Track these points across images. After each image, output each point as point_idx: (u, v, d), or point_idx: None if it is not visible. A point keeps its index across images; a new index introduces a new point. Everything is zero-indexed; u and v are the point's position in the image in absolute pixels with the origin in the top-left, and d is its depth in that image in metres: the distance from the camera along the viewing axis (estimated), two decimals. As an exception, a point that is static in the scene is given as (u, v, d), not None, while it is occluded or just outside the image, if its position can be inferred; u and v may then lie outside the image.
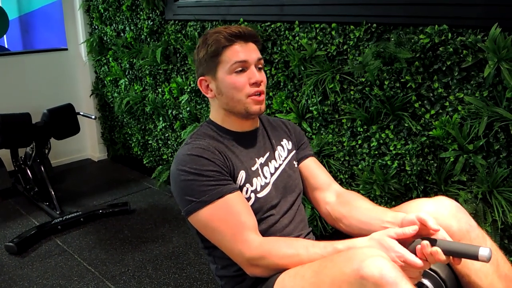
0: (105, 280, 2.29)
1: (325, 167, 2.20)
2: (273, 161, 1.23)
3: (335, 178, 2.21)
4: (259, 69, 1.22)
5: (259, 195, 1.13)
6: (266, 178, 1.18)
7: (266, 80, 1.25)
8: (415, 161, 1.88)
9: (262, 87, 1.20)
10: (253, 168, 1.17)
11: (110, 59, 3.51)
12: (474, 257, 0.82)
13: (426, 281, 0.93)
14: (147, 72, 3.17)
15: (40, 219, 3.00)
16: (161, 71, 3.07)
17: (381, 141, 1.99)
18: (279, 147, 1.25)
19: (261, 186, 1.16)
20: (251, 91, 1.17)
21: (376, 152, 2.02)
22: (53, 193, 3.07)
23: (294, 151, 1.32)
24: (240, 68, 1.18)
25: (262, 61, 1.23)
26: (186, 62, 2.85)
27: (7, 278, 2.35)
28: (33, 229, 2.75)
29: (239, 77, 1.17)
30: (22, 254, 2.58)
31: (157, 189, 3.38)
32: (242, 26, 1.27)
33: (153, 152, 3.44)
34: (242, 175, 1.13)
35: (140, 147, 3.56)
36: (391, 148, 1.96)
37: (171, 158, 3.27)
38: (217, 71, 1.20)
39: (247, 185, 1.12)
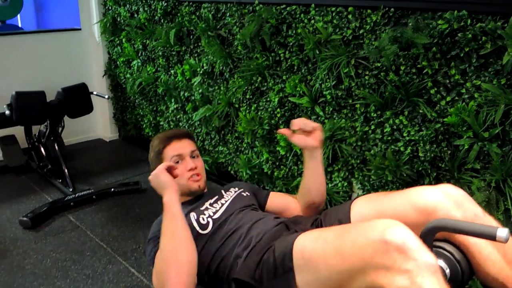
0: (117, 256, 2.33)
1: (336, 152, 2.22)
2: (222, 199, 1.48)
3: (347, 163, 2.22)
4: (194, 157, 1.55)
5: (214, 217, 1.39)
6: (216, 208, 1.43)
7: (203, 162, 1.59)
8: (428, 148, 1.88)
9: (198, 170, 1.52)
10: (202, 208, 1.43)
11: (123, 40, 3.51)
12: (492, 237, 0.82)
13: (441, 262, 0.94)
14: (160, 53, 3.18)
15: (53, 195, 3.05)
16: (174, 53, 3.08)
17: (395, 127, 1.99)
18: (226, 193, 1.51)
19: (214, 212, 1.41)
20: (189, 175, 1.49)
21: (389, 138, 2.02)
22: (66, 170, 3.11)
23: (247, 193, 1.57)
24: (177, 160, 1.50)
25: (196, 152, 1.57)
26: (199, 44, 2.85)
27: (21, 252, 2.40)
28: (46, 204, 2.80)
29: (178, 167, 1.48)
30: (36, 229, 2.63)
31: (168, 170, 3.41)
32: (176, 129, 1.68)
33: (165, 133, 3.46)
34: (193, 215, 1.39)
35: (152, 128, 3.58)
36: (405, 134, 1.95)
37: (183, 140, 3.29)
38: None
39: (201, 216, 1.38)
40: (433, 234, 0.89)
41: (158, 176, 1.33)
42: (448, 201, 1.03)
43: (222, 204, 1.43)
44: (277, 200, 1.63)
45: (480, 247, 0.99)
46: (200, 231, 1.33)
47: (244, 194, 1.53)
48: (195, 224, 1.35)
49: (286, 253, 0.99)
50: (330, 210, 1.28)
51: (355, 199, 1.23)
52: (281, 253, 1.02)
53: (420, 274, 0.78)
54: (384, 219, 0.86)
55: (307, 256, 0.95)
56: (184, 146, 1.53)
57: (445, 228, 0.88)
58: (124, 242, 2.46)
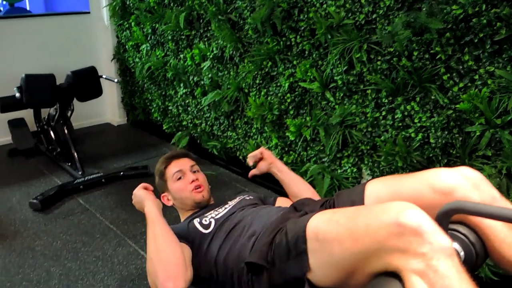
0: (126, 239, 2.36)
1: (346, 137, 2.21)
2: (226, 205, 1.55)
3: (357, 149, 2.22)
4: (195, 172, 1.65)
5: (216, 218, 1.44)
6: (219, 211, 1.49)
7: (204, 176, 1.68)
8: (440, 134, 1.87)
9: (200, 182, 1.61)
10: (206, 214, 1.49)
11: (133, 23, 3.50)
12: (510, 220, 0.82)
13: (456, 245, 0.94)
14: (170, 37, 3.17)
15: (62, 178, 3.07)
16: (183, 37, 3.07)
17: (406, 113, 1.98)
18: (231, 200, 1.57)
19: (216, 214, 1.47)
20: (192, 187, 1.59)
21: (400, 124, 2.01)
22: (75, 154, 3.13)
23: (251, 197, 1.63)
24: (179, 176, 1.61)
25: (196, 167, 1.68)
26: (209, 28, 2.83)
27: (31, 233, 2.43)
28: (56, 187, 2.83)
29: (180, 182, 1.61)
30: (46, 211, 2.66)
31: (176, 155, 3.42)
32: (175, 150, 1.80)
33: (173, 118, 3.47)
34: (196, 220, 1.45)
35: (160, 113, 3.59)
36: (416, 121, 1.94)
37: (191, 125, 3.30)
38: (167, 186, 1.64)
39: (204, 218, 1.44)
40: (450, 216, 0.89)
41: (136, 194, 1.46)
42: (466, 183, 1.03)
43: (226, 208, 1.49)
44: (284, 203, 1.66)
45: (495, 230, 0.99)
46: (204, 230, 1.38)
47: (248, 198, 1.59)
48: (198, 226, 1.40)
49: (299, 235, 0.99)
50: (343, 192, 1.28)
51: (368, 180, 1.23)
52: (294, 235, 1.02)
53: (435, 257, 0.78)
54: (399, 201, 0.86)
55: (321, 238, 0.95)
56: (184, 163, 1.66)
57: (463, 210, 0.88)
58: (133, 225, 2.49)
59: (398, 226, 0.81)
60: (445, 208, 0.89)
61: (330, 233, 0.92)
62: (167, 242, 1.20)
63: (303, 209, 1.27)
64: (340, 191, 1.34)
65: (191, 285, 1.35)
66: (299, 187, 1.67)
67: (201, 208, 1.59)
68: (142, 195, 1.41)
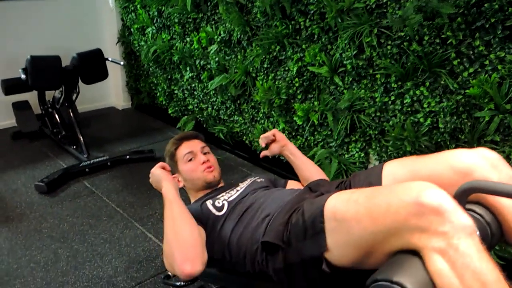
0: (133, 221, 2.37)
1: (355, 122, 2.21)
2: (237, 187, 1.54)
3: (364, 133, 2.22)
4: (205, 153, 1.64)
5: (229, 200, 1.43)
6: (231, 193, 1.49)
7: (215, 158, 1.67)
8: (449, 119, 1.87)
9: (210, 163, 1.61)
10: (218, 196, 1.49)
11: (138, 6, 3.47)
12: None
13: (472, 224, 0.95)
14: (176, 20, 3.14)
15: (67, 161, 3.08)
16: (190, 20, 3.04)
17: (415, 98, 1.98)
18: (242, 182, 1.57)
19: (229, 196, 1.47)
20: (203, 167, 1.58)
21: (409, 109, 2.01)
22: (81, 137, 3.13)
23: (262, 179, 1.63)
24: (190, 157, 1.60)
25: (207, 148, 1.66)
26: (217, 11, 2.81)
27: (37, 216, 2.44)
28: (61, 170, 2.84)
29: (191, 164, 1.60)
30: (51, 194, 2.67)
31: (181, 139, 3.42)
32: (186, 131, 1.74)
33: (179, 102, 3.46)
34: (209, 202, 1.44)
35: (166, 97, 3.58)
36: (425, 106, 1.94)
37: (197, 109, 3.29)
38: (178, 167, 1.62)
39: (217, 200, 1.43)
40: (467, 196, 0.89)
41: (153, 173, 1.43)
42: (485, 163, 1.03)
43: (238, 190, 1.49)
44: (295, 186, 1.66)
45: None
46: (217, 213, 1.37)
47: (259, 180, 1.59)
48: (211, 208, 1.39)
49: (317, 215, 1.00)
50: (359, 173, 1.29)
51: (385, 161, 1.23)
52: (311, 215, 1.02)
53: (456, 236, 0.79)
54: (418, 181, 0.86)
55: (339, 218, 0.95)
56: (194, 144, 1.64)
57: (481, 189, 0.88)
58: (140, 208, 2.50)
59: (419, 206, 0.82)
60: (463, 187, 0.90)
61: (349, 212, 0.93)
62: (185, 223, 1.18)
63: (319, 190, 1.27)
64: (356, 172, 1.35)
65: None
66: (311, 171, 1.65)
67: (212, 189, 1.60)
68: (159, 174, 1.38)
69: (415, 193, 0.83)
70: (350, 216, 0.93)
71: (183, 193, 1.85)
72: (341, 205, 0.97)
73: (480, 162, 1.04)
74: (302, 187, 1.64)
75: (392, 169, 1.19)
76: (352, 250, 0.94)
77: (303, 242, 1.03)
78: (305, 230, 1.03)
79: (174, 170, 1.64)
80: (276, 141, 1.68)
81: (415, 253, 0.83)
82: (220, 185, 1.65)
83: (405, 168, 1.16)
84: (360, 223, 0.90)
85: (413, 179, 0.96)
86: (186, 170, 1.60)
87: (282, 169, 2.74)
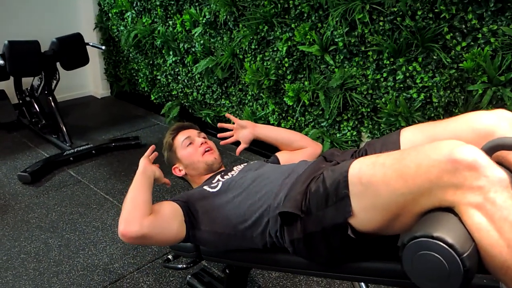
0: (125, 208, 2.32)
1: (347, 100, 2.21)
2: (232, 171, 1.52)
3: (357, 112, 2.23)
4: (203, 138, 1.64)
5: (223, 180, 1.42)
6: (227, 175, 1.47)
7: (214, 143, 1.66)
8: (442, 94, 1.89)
9: (209, 145, 1.61)
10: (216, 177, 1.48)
11: (116, -10, 3.37)
12: None
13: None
14: (157, 3, 3.06)
15: (49, 151, 2.98)
16: (172, 2, 2.97)
17: (407, 74, 1.98)
18: (236, 166, 1.56)
19: (223, 177, 1.45)
20: (203, 150, 1.58)
21: (402, 85, 2.02)
22: (63, 125, 3.03)
23: (255, 162, 1.59)
24: (188, 142, 1.60)
25: (203, 134, 1.67)
26: (200, -7, 2.76)
27: (23, 206, 2.36)
28: (44, 159, 2.75)
29: (190, 147, 1.59)
30: (36, 184, 2.58)
31: (166, 125, 3.36)
32: (180, 122, 1.71)
33: (162, 88, 3.39)
34: (207, 186, 1.43)
35: (148, 83, 3.50)
36: (418, 81, 1.96)
37: (181, 94, 3.23)
38: (177, 155, 1.61)
39: (213, 182, 1.42)
40: (491, 154, 0.90)
41: (139, 163, 1.42)
42: (505, 123, 1.05)
43: (235, 171, 1.49)
44: (285, 155, 1.65)
45: None
46: (210, 190, 1.37)
47: (252, 163, 1.56)
48: (206, 187, 1.39)
49: (340, 180, 0.98)
50: (374, 141, 1.28)
51: (401, 128, 1.23)
52: (334, 181, 1.00)
53: (492, 190, 0.79)
54: (448, 140, 0.86)
55: (366, 181, 0.94)
56: (191, 131, 1.65)
57: (506, 146, 0.89)
58: (130, 194, 2.44)
59: (453, 162, 0.81)
60: (489, 144, 0.90)
61: (376, 176, 0.92)
62: (132, 195, 1.23)
63: (334, 159, 1.26)
64: (370, 141, 1.34)
65: (206, 243, 1.33)
66: (290, 138, 1.67)
67: (214, 173, 1.57)
68: (140, 162, 1.40)
69: (447, 150, 0.83)
70: (378, 179, 0.92)
71: (181, 188, 1.82)
72: (366, 169, 0.96)
73: (500, 123, 1.05)
74: (295, 152, 1.67)
75: (410, 135, 1.19)
76: (380, 213, 0.94)
77: (325, 210, 1.02)
78: (327, 197, 1.01)
79: (174, 160, 1.64)
80: (244, 128, 1.68)
81: (448, 210, 0.83)
82: (221, 169, 1.62)
83: (423, 134, 1.16)
84: (389, 185, 0.90)
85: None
86: (186, 155, 1.58)
87: (270, 150, 2.72)
